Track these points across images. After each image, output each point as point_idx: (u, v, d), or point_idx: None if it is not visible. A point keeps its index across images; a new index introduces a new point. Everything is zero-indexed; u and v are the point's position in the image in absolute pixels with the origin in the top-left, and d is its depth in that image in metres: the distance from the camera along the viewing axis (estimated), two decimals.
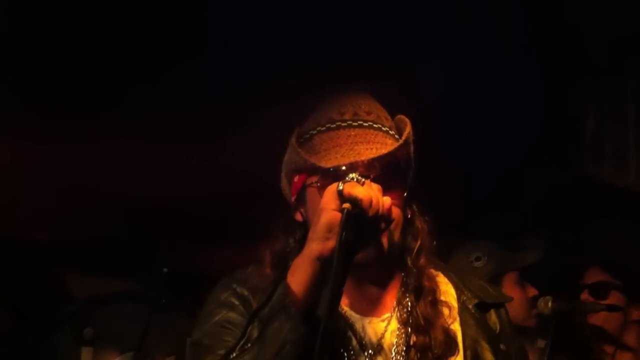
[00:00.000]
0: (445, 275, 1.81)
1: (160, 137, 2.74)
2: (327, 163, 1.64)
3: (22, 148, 2.87)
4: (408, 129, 1.70)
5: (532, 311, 3.04)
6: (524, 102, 2.58)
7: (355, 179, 1.54)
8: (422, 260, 1.74)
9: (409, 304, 1.72)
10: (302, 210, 1.75)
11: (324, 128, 1.71)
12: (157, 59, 2.35)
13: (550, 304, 2.90)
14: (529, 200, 3.22)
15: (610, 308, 2.96)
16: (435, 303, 1.72)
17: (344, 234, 1.47)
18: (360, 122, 1.70)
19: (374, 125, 1.71)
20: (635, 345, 3.01)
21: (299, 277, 1.54)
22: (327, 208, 1.51)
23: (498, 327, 1.78)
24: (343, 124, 1.70)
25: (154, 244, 3.44)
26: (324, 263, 1.51)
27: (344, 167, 1.62)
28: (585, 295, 3.05)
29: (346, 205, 1.49)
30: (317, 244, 1.51)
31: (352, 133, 1.68)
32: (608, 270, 3.09)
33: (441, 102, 2.47)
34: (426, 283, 1.74)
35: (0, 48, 2.31)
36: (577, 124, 2.55)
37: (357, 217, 1.49)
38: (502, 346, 1.74)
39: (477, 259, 3.11)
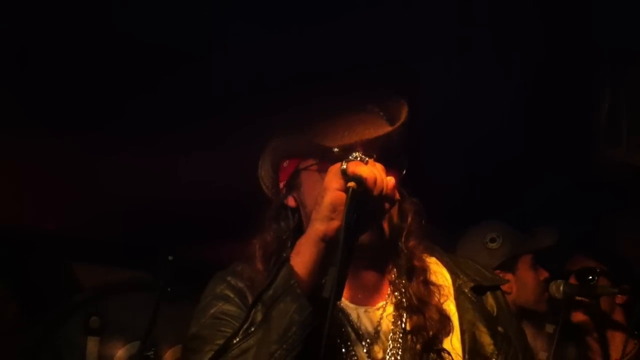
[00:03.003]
0: (440, 259, 1.80)
1: (166, 139, 2.75)
2: (331, 143, 1.61)
3: (32, 144, 2.87)
4: (405, 111, 1.69)
5: (544, 294, 3.02)
6: (539, 88, 2.54)
7: (358, 158, 1.51)
8: (412, 242, 1.74)
9: (402, 286, 1.70)
10: (295, 195, 1.73)
11: (317, 113, 1.71)
12: (156, 65, 2.35)
13: (562, 287, 2.87)
14: (543, 190, 3.19)
15: (622, 291, 2.94)
16: (427, 282, 1.71)
17: (349, 213, 1.44)
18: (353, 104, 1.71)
19: (367, 107, 1.71)
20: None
21: (303, 257, 1.51)
22: (331, 188, 1.48)
23: (495, 309, 1.76)
24: (337, 108, 1.70)
25: (161, 234, 3.44)
26: (328, 243, 1.48)
27: (350, 147, 1.59)
28: (572, 281, 3.03)
29: (351, 184, 1.46)
30: (321, 224, 1.48)
31: (346, 114, 1.68)
32: (592, 255, 3.07)
33: (455, 92, 2.44)
34: (417, 263, 1.73)
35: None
36: (593, 106, 2.51)
37: (361, 196, 1.46)
38: (499, 328, 1.73)
39: (492, 240, 3.07)
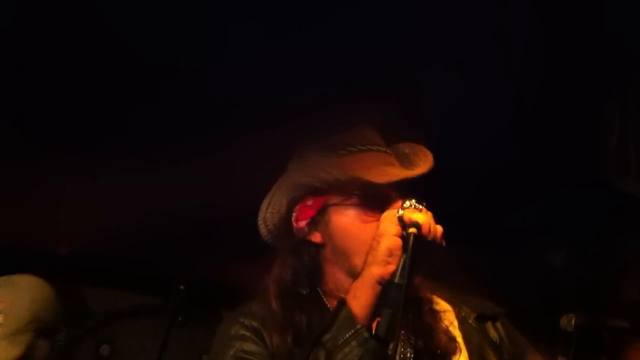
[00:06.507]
0: (440, 296, 1.88)
1: (172, 154, 2.77)
2: (378, 179, 1.68)
3: (37, 165, 2.89)
4: (430, 157, 1.78)
5: None
6: (548, 113, 2.56)
7: (413, 206, 1.61)
8: (418, 278, 1.80)
9: (412, 314, 1.78)
10: (321, 231, 1.78)
11: (344, 151, 1.76)
12: (155, 78, 2.38)
13: (573, 321, 2.86)
14: (553, 211, 3.19)
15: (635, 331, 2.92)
16: (433, 310, 1.80)
17: (413, 257, 1.55)
18: (369, 147, 1.78)
19: (381, 149, 1.80)
20: None
21: (360, 300, 1.59)
22: (388, 233, 1.58)
23: (498, 338, 1.83)
24: (354, 150, 1.77)
25: (172, 259, 3.44)
26: (383, 286, 1.57)
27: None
28: None
29: (413, 230, 1.56)
30: (378, 268, 1.58)
31: (371, 156, 1.76)
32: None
33: (462, 110, 2.46)
34: (422, 295, 1.82)
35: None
36: (602, 134, 2.52)
37: (417, 242, 1.58)
38: (505, 356, 1.80)
39: None
